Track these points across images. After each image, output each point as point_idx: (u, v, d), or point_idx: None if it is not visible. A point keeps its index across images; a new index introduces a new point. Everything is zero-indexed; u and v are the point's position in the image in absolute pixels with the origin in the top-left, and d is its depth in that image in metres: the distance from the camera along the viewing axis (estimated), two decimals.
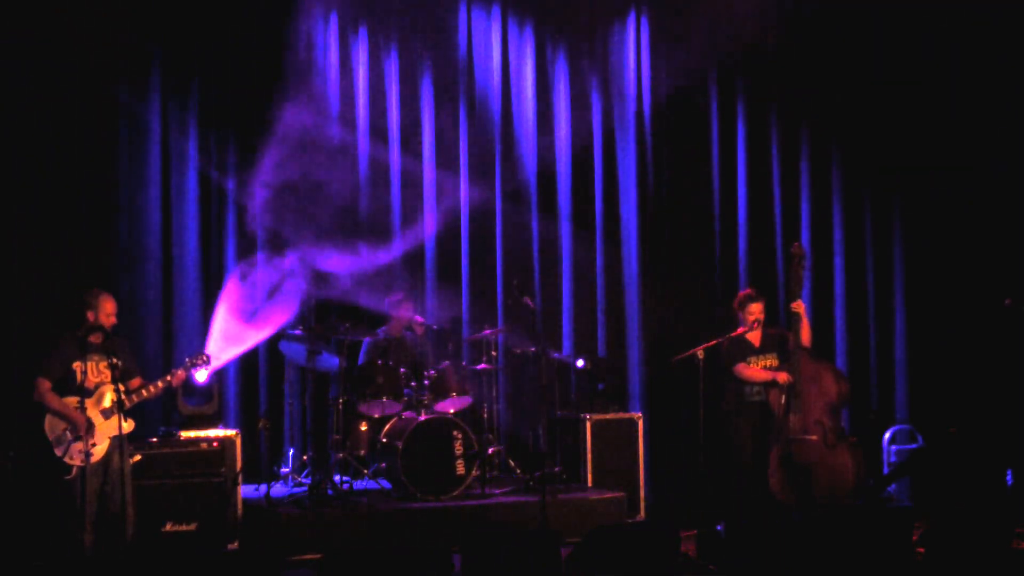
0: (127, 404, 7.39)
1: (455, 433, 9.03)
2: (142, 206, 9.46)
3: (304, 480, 9.13)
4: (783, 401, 8.52)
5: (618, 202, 10.85)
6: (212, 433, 8.59)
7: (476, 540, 7.40)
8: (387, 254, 10.04)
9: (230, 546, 8.36)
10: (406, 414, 9.22)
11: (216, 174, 9.69)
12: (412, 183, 10.30)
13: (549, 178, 10.68)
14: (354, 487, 9.03)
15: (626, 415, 9.82)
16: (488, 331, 9.65)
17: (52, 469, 7.47)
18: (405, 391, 9.27)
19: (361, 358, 9.57)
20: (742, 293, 9.05)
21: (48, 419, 7.44)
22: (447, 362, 9.43)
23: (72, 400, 7.42)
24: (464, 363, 9.55)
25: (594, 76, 10.78)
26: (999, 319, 10.18)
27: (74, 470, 7.34)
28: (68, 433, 7.37)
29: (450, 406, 9.33)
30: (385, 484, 9.06)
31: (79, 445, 7.33)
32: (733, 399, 8.80)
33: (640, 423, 9.75)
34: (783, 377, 8.56)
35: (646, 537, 7.60)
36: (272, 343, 9.59)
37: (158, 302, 9.46)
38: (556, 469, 9.51)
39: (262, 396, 9.80)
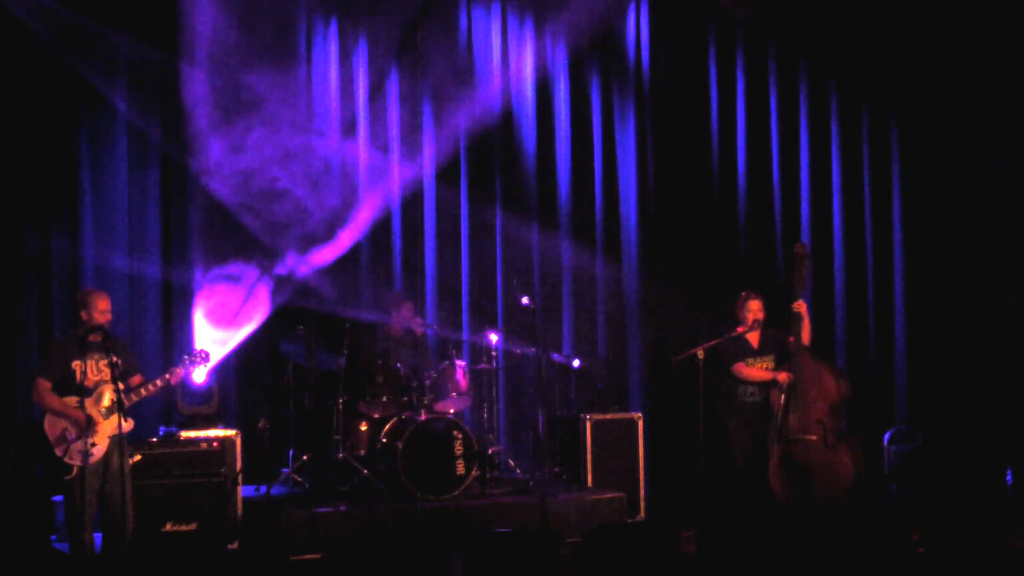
0: (126, 403, 7.38)
1: (455, 433, 9.03)
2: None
3: (304, 480, 9.12)
4: (783, 401, 8.51)
5: (618, 201, 10.85)
6: (212, 433, 8.59)
7: (476, 540, 7.40)
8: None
9: (230, 546, 8.35)
10: (406, 414, 9.22)
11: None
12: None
13: (549, 174, 10.70)
14: (354, 487, 9.04)
15: (626, 415, 9.81)
16: (488, 332, 9.65)
17: (52, 469, 7.48)
18: (405, 391, 9.27)
19: (361, 358, 9.56)
20: (742, 293, 9.06)
21: (48, 419, 7.43)
22: (447, 362, 9.43)
23: (72, 400, 7.42)
24: (464, 363, 9.54)
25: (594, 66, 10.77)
26: (1000, 319, 10.20)
27: (74, 470, 7.33)
28: (68, 433, 7.37)
29: (450, 406, 9.33)
30: (384, 485, 9.06)
31: (79, 445, 7.33)
32: (727, 400, 8.80)
33: (640, 423, 9.74)
34: (783, 377, 8.56)
35: (646, 537, 7.61)
36: (273, 343, 9.59)
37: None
38: (556, 469, 9.51)
39: (262, 396, 9.79)
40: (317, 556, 7.29)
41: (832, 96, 11.07)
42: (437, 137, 10.42)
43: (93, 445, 7.36)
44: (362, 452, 9.31)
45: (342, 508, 8.51)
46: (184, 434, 8.51)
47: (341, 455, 9.13)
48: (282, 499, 8.75)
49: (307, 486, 8.88)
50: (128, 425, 7.39)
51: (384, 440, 9.11)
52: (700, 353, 8.53)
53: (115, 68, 9.43)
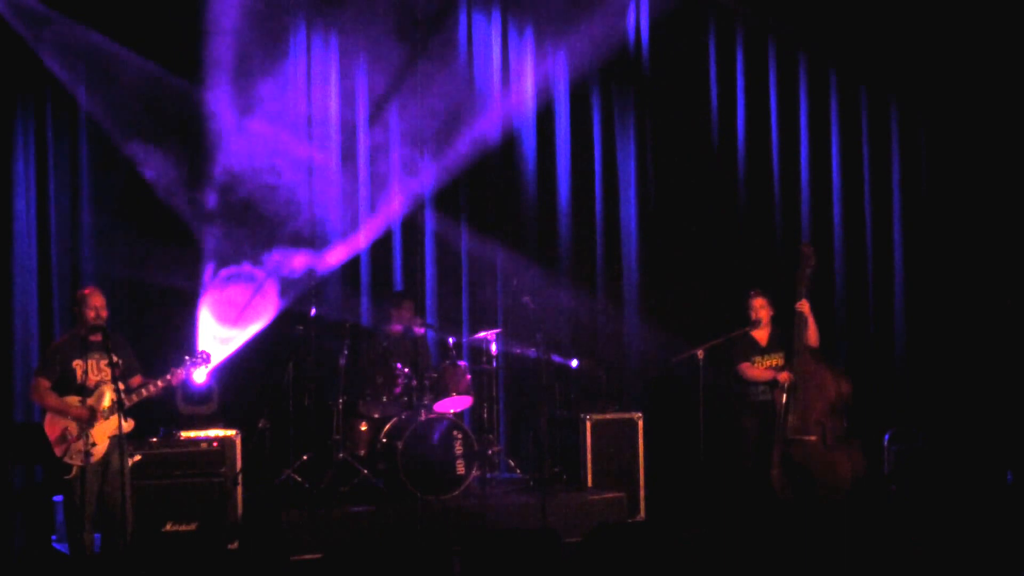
0: (127, 403, 7.38)
1: (455, 433, 9.03)
2: None
3: (304, 480, 9.11)
4: (784, 401, 8.51)
5: (618, 201, 10.85)
6: (212, 433, 8.59)
7: (476, 540, 7.40)
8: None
9: (230, 546, 8.36)
10: (406, 414, 9.22)
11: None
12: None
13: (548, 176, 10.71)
14: (354, 487, 9.04)
15: (626, 415, 9.80)
16: (488, 332, 9.65)
17: (52, 469, 7.48)
18: (405, 391, 9.27)
19: (361, 358, 9.56)
20: (749, 291, 9.05)
21: (48, 419, 7.43)
22: (447, 362, 9.43)
23: (73, 399, 7.42)
24: (464, 363, 9.54)
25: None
26: (1000, 319, 10.20)
27: (74, 470, 7.33)
28: (68, 432, 7.37)
29: (450, 406, 9.33)
30: (384, 485, 9.06)
31: (79, 444, 7.33)
32: (738, 398, 8.80)
33: (640, 423, 9.74)
34: (783, 377, 8.56)
35: (646, 537, 7.60)
36: (273, 343, 9.59)
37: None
38: (556, 469, 9.51)
39: (262, 396, 9.78)
40: (317, 556, 7.28)
41: (832, 95, 11.05)
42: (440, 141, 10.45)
43: (93, 445, 7.36)
44: (362, 452, 9.31)
45: (342, 508, 8.52)
46: (184, 434, 8.51)
47: (341, 455, 9.13)
48: (282, 499, 8.75)
49: (307, 486, 8.88)
50: (128, 425, 7.39)
51: (384, 440, 9.11)
52: (700, 353, 8.53)
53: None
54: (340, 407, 9.21)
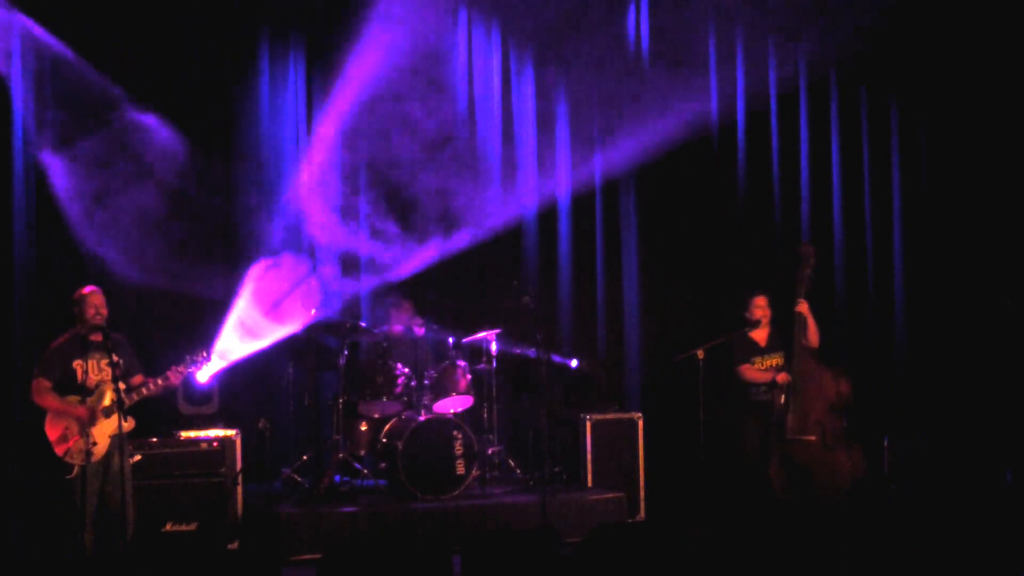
0: (127, 403, 7.38)
1: (455, 433, 9.03)
2: None
3: (304, 480, 9.11)
4: (783, 401, 8.52)
5: (618, 201, 10.86)
6: (212, 433, 8.60)
7: (476, 540, 7.40)
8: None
9: (230, 546, 8.36)
10: (406, 414, 9.22)
11: None
12: None
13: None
14: (354, 487, 9.04)
15: (626, 415, 9.81)
16: (488, 331, 9.65)
17: (53, 469, 7.48)
18: (405, 391, 9.27)
19: (361, 358, 9.56)
20: (746, 291, 9.05)
21: (48, 419, 7.43)
22: (447, 362, 9.43)
23: (73, 399, 7.42)
24: (464, 363, 9.54)
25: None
26: (1000, 319, 10.20)
27: (75, 469, 7.34)
28: (69, 432, 7.37)
29: (450, 406, 9.33)
30: (384, 485, 9.06)
31: (80, 444, 7.33)
32: (739, 399, 8.80)
33: (640, 423, 9.74)
34: (782, 378, 8.56)
35: (646, 537, 7.60)
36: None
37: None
38: (556, 469, 9.51)
39: (262, 396, 9.79)
40: (317, 556, 7.27)
41: (832, 95, 11.05)
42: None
43: (94, 445, 7.37)
44: (362, 452, 9.32)
45: (342, 508, 8.52)
46: (184, 434, 8.51)
47: (341, 455, 9.13)
48: (282, 499, 8.75)
49: (307, 486, 8.87)
50: (128, 425, 7.39)
51: (384, 440, 9.11)
52: (700, 353, 8.53)
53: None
54: (340, 407, 9.21)
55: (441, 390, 9.31)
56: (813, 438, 8.44)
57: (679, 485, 9.83)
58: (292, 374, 9.42)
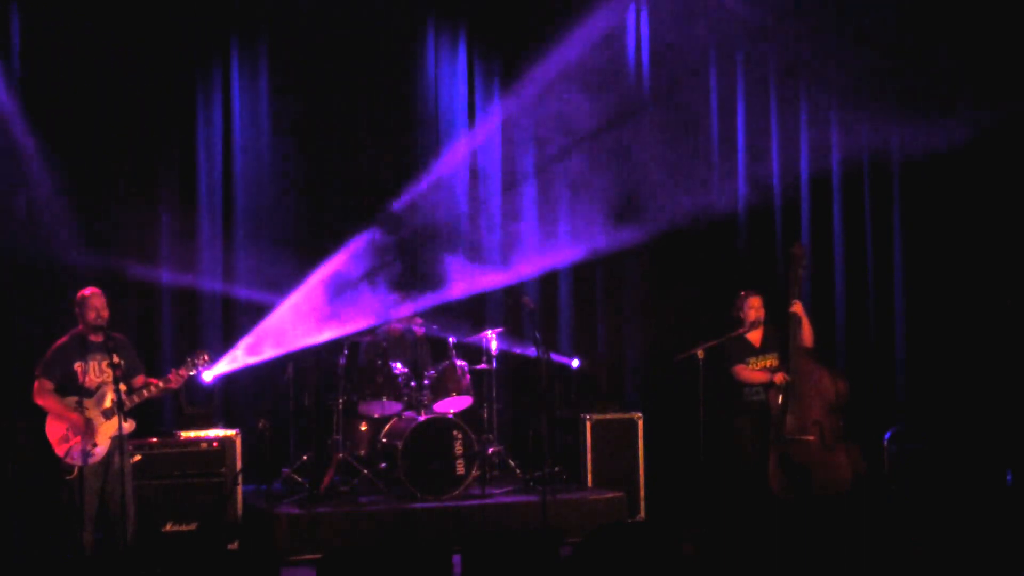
0: (128, 404, 7.38)
1: (455, 433, 9.04)
2: None
3: (304, 480, 9.11)
4: (780, 401, 8.51)
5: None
6: (212, 433, 8.60)
7: (476, 540, 7.40)
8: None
9: (230, 546, 8.36)
10: (406, 414, 9.23)
11: None
12: None
13: None
14: (354, 487, 9.04)
15: (626, 415, 9.81)
16: (488, 331, 9.65)
17: (53, 469, 7.48)
18: (405, 391, 9.28)
19: (361, 358, 9.56)
20: (741, 292, 9.05)
21: (49, 419, 7.44)
22: (447, 362, 9.43)
23: (73, 401, 7.42)
24: (464, 363, 9.54)
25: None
26: (1000, 319, 10.19)
27: (75, 470, 7.34)
28: (69, 433, 7.37)
29: (450, 406, 9.33)
30: (384, 485, 9.06)
31: (80, 445, 7.33)
32: (733, 400, 8.80)
33: (640, 423, 9.74)
34: (779, 378, 8.55)
35: (646, 537, 7.60)
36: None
37: None
38: (556, 469, 9.51)
39: (262, 396, 9.79)
40: (317, 556, 7.27)
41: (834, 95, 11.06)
42: None
43: (94, 446, 7.37)
44: (362, 452, 9.31)
45: (342, 508, 8.52)
46: (184, 434, 8.51)
47: (341, 455, 9.13)
48: (282, 499, 8.75)
49: (307, 486, 8.88)
50: (129, 426, 7.39)
51: (384, 440, 9.11)
52: (700, 353, 8.53)
53: None
54: (340, 407, 9.21)
55: (441, 390, 9.31)
56: (812, 438, 8.44)
57: (679, 485, 9.84)
58: (292, 374, 9.41)
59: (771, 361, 8.72)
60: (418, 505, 8.72)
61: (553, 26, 10.30)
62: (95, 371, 7.50)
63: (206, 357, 7.83)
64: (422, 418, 9.02)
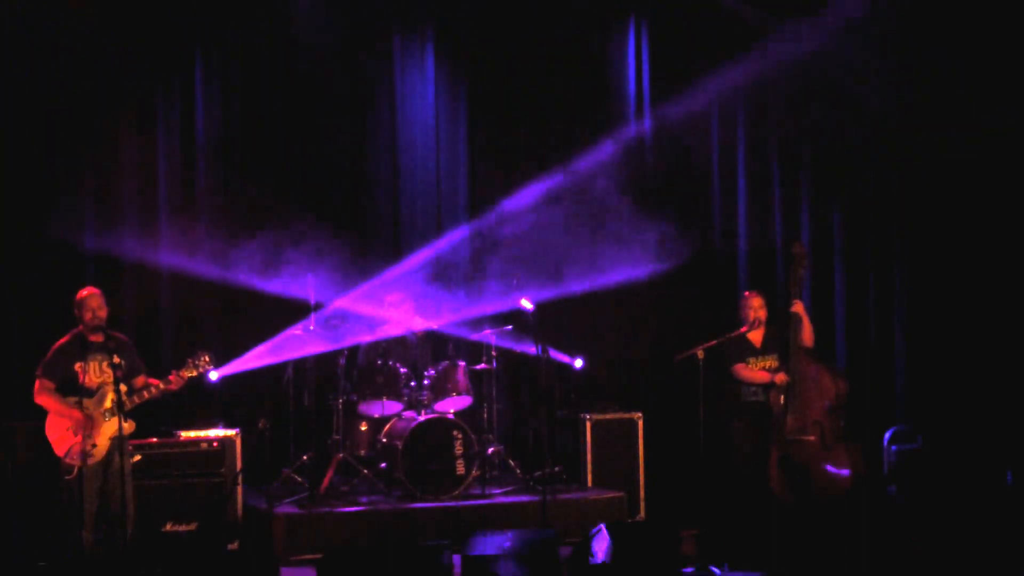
0: (128, 405, 7.39)
1: (455, 433, 9.04)
2: None
3: (304, 480, 9.11)
4: (781, 402, 8.51)
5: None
6: (212, 433, 8.60)
7: (476, 540, 7.40)
8: None
9: (230, 546, 8.36)
10: (406, 414, 9.23)
11: None
12: None
13: None
14: (354, 487, 9.04)
15: (626, 415, 9.81)
16: (488, 331, 9.64)
17: (53, 469, 7.48)
18: (405, 391, 9.27)
19: (361, 358, 9.56)
20: (744, 292, 9.04)
21: (49, 419, 7.44)
22: (447, 362, 9.43)
23: (73, 400, 7.42)
24: (464, 363, 9.53)
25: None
26: (1000, 318, 10.19)
27: (75, 470, 7.34)
28: (70, 433, 7.37)
29: (450, 406, 9.33)
30: (384, 485, 9.06)
31: (80, 445, 7.34)
32: (731, 400, 8.79)
33: (640, 423, 9.74)
34: (780, 378, 8.55)
35: (646, 537, 7.61)
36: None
37: None
38: (556, 469, 9.51)
39: (262, 396, 9.79)
40: (317, 556, 7.28)
41: None
42: None
43: (94, 446, 7.38)
44: (362, 452, 9.31)
45: (342, 508, 8.52)
46: (184, 434, 8.51)
47: (341, 455, 9.13)
48: (282, 499, 8.74)
49: (307, 486, 8.87)
50: (129, 426, 7.40)
51: (384, 440, 9.11)
52: (700, 353, 8.52)
53: None
54: (340, 407, 9.21)
55: (441, 390, 9.30)
56: (812, 438, 8.43)
57: (679, 485, 9.83)
58: (292, 374, 9.41)
59: (771, 362, 8.72)
60: (418, 505, 8.72)
61: None
62: (95, 371, 7.50)
63: (207, 358, 7.83)
64: (422, 418, 9.02)
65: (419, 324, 9.75)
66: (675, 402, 10.18)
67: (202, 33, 9.85)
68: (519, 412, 10.37)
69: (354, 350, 9.53)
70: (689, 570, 7.63)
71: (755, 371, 8.71)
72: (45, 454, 7.50)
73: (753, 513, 8.51)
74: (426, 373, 9.37)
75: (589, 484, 9.49)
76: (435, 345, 9.93)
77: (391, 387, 9.22)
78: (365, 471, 9.11)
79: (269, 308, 9.61)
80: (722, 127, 10.96)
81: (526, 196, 10.39)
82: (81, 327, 7.59)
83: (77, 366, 7.49)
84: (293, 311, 9.40)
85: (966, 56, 10.47)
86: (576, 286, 10.36)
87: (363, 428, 9.37)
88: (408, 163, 10.42)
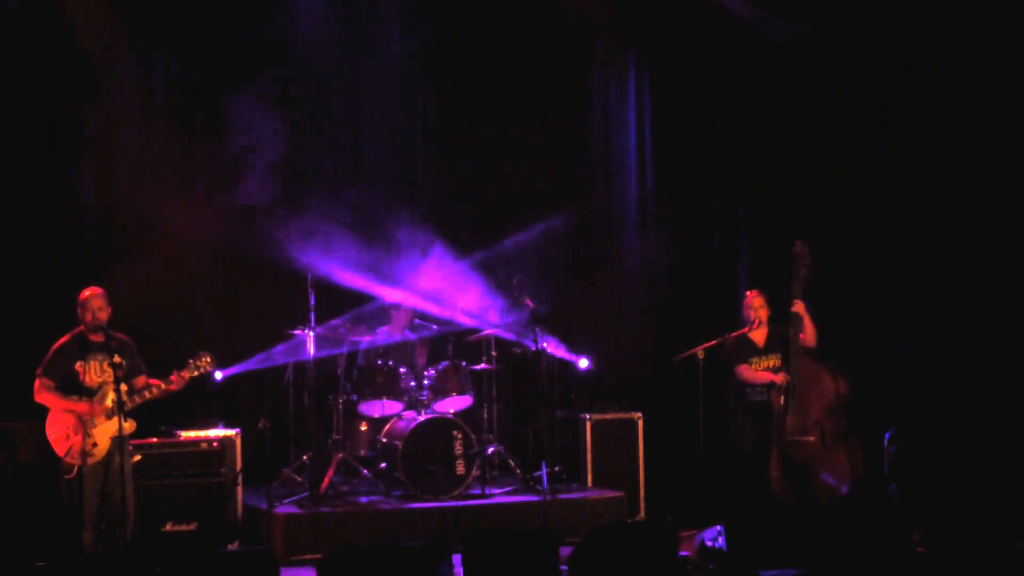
0: (129, 404, 7.39)
1: (455, 433, 9.04)
2: None
3: (304, 480, 9.11)
4: (782, 402, 8.51)
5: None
6: (212, 433, 8.59)
7: (476, 540, 7.40)
8: None
9: (230, 546, 8.36)
10: (406, 414, 9.23)
11: None
12: None
13: None
14: (354, 487, 9.04)
15: (626, 415, 9.81)
16: (488, 331, 9.64)
17: (53, 469, 7.48)
18: (405, 391, 9.27)
19: (361, 358, 9.56)
20: (746, 291, 9.04)
21: (49, 419, 7.44)
22: (447, 362, 9.43)
23: (75, 399, 7.43)
24: (464, 363, 9.53)
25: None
26: (1000, 318, 10.19)
27: (75, 470, 7.34)
28: (70, 432, 7.37)
29: (450, 406, 9.33)
30: (384, 485, 9.05)
31: (80, 444, 7.34)
32: (735, 399, 8.80)
33: (640, 423, 9.74)
34: (780, 378, 8.55)
35: (646, 537, 7.59)
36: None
37: None
38: (556, 469, 9.51)
39: (262, 396, 9.79)
40: (317, 556, 7.28)
41: None
42: None
43: (94, 445, 7.37)
44: (362, 452, 9.32)
45: (342, 508, 8.52)
46: (184, 434, 8.51)
47: (341, 455, 9.13)
48: (282, 499, 8.74)
49: (307, 486, 8.87)
50: (130, 426, 7.40)
51: (384, 440, 9.11)
52: (700, 353, 8.53)
53: None
54: (340, 407, 9.21)
55: (441, 390, 9.30)
56: (812, 438, 8.44)
57: (679, 485, 9.83)
58: (292, 374, 9.41)
59: (774, 361, 8.72)
60: (418, 505, 8.72)
61: None
62: (96, 371, 7.51)
63: (208, 359, 7.82)
64: (422, 418, 9.02)
65: (418, 325, 9.75)
66: (675, 402, 10.18)
67: None
68: (519, 412, 10.37)
69: (354, 350, 9.53)
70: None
71: (757, 372, 8.71)
72: (45, 454, 7.50)
73: (754, 513, 8.51)
74: (426, 373, 9.37)
75: (589, 484, 9.49)
76: (435, 345, 9.93)
77: (391, 387, 9.22)
78: (365, 471, 9.11)
79: (270, 308, 9.61)
80: None
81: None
82: (82, 327, 7.59)
83: (77, 365, 7.49)
84: (294, 311, 9.40)
85: (966, 55, 10.47)
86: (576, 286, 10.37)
87: (363, 428, 9.38)
88: None
